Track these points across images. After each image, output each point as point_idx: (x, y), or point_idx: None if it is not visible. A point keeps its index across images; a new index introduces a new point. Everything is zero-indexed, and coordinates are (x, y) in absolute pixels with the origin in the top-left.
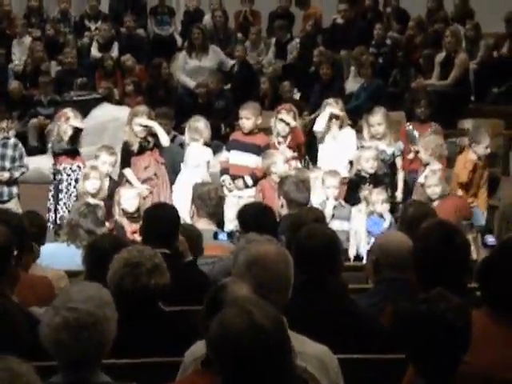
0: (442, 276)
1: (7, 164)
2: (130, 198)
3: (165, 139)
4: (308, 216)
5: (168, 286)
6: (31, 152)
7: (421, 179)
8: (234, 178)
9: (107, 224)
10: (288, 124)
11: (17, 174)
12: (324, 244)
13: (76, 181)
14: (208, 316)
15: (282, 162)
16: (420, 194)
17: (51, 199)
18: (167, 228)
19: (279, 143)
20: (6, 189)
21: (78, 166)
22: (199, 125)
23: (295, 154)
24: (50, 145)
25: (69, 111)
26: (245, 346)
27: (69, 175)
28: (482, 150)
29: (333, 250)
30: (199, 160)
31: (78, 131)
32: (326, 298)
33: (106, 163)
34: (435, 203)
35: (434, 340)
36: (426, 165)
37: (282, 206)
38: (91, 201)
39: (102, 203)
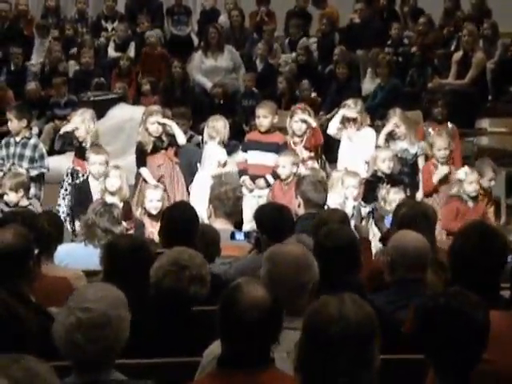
0: (476, 277)
1: (25, 164)
2: (154, 200)
3: (181, 138)
4: (332, 217)
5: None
6: None
7: (460, 175)
8: (254, 177)
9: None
10: (305, 122)
11: (34, 172)
12: (343, 243)
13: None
14: (222, 315)
15: (286, 165)
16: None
17: (65, 199)
18: (186, 227)
19: (295, 143)
20: None
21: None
22: (217, 124)
23: (312, 155)
24: None
25: (76, 113)
26: (327, 332)
27: (73, 176)
28: (486, 183)
29: (352, 249)
30: (211, 159)
31: (61, 136)
32: None
33: (95, 163)
34: (470, 203)
35: (451, 331)
36: None
37: (299, 206)
38: (109, 199)
39: (120, 203)
